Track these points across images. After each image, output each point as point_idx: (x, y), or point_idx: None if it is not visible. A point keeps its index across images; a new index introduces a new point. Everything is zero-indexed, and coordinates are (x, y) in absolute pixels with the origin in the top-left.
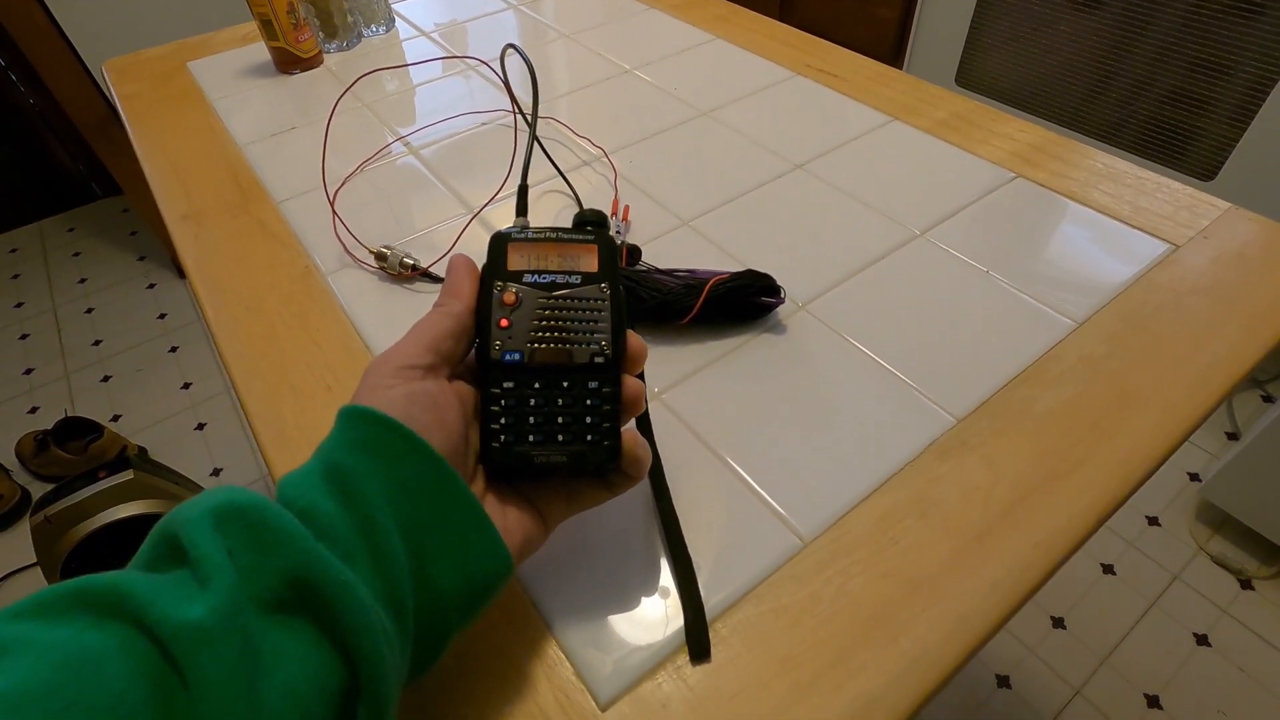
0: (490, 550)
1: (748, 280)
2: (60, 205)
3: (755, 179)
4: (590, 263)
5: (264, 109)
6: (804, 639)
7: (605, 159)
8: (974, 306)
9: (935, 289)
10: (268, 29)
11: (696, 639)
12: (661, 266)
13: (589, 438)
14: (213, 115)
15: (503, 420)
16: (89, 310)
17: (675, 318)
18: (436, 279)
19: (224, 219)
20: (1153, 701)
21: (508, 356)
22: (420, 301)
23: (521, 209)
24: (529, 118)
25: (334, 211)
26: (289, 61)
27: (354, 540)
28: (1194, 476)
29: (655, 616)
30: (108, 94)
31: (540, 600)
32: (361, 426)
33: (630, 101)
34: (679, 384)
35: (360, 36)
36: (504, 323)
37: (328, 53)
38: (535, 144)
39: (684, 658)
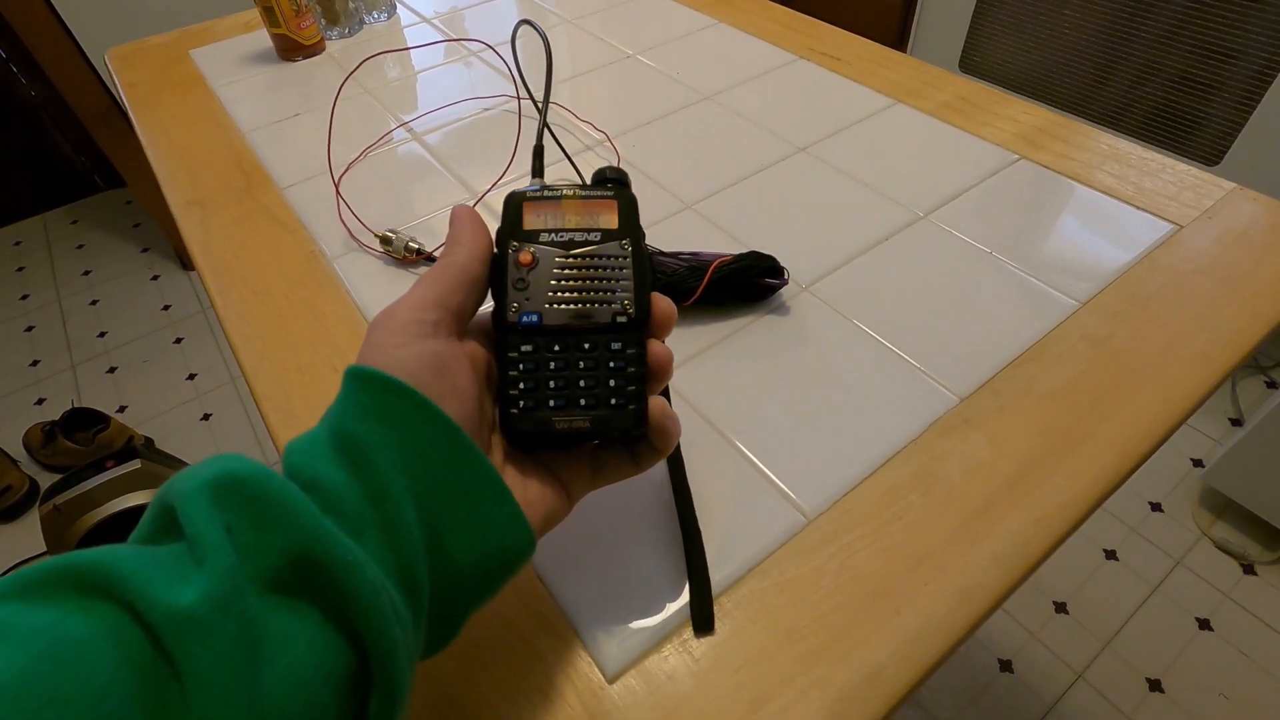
0: (510, 524)
1: (751, 261)
2: (63, 197)
3: (758, 162)
4: (610, 220)
5: (267, 96)
6: (808, 612)
7: (609, 143)
8: (977, 287)
9: (938, 270)
10: (269, 16)
11: (700, 610)
12: (665, 249)
13: (612, 401)
14: (216, 102)
15: (521, 385)
16: (93, 302)
17: (679, 299)
18: None
19: (229, 205)
20: (1154, 685)
21: (525, 319)
22: None
23: (538, 170)
24: (533, 97)
25: (339, 196)
26: (291, 48)
27: (365, 513)
28: (1197, 462)
29: (662, 591)
30: (109, 84)
31: (547, 574)
32: (372, 391)
33: (633, 86)
34: (684, 365)
35: (362, 23)
36: (520, 284)
37: (330, 39)
38: (545, 125)
39: (690, 631)
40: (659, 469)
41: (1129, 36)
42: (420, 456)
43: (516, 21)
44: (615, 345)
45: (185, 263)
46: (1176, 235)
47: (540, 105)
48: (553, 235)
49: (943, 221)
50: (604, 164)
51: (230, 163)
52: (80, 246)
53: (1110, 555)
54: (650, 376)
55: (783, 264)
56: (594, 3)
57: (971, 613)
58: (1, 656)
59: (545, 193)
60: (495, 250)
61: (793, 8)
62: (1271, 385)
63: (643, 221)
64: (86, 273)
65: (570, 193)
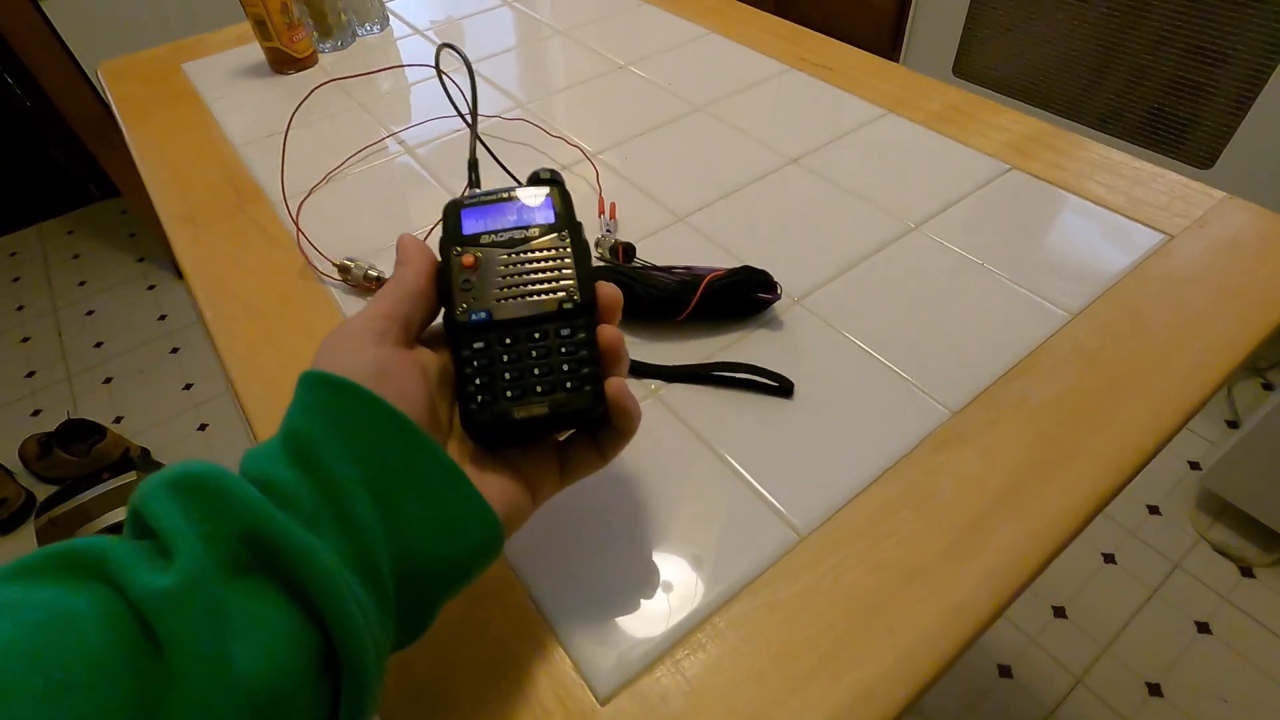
0: (472, 510)
1: (744, 276)
2: (59, 208)
3: (750, 174)
4: (547, 215)
5: (259, 110)
6: (800, 631)
7: (587, 160)
8: (969, 299)
9: (930, 282)
10: (262, 29)
11: None
12: (658, 263)
13: (568, 385)
14: (208, 116)
15: (477, 380)
16: (89, 312)
17: (672, 314)
18: None
19: (221, 220)
20: (1154, 689)
21: (474, 317)
22: None
23: (474, 181)
24: (463, 116)
25: (297, 227)
26: (284, 61)
27: (317, 506)
28: (1194, 465)
29: (654, 611)
30: (103, 95)
31: (538, 596)
32: (319, 391)
33: (625, 97)
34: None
35: (355, 35)
36: (466, 285)
37: (322, 52)
38: (476, 138)
39: (683, 652)
40: (646, 493)
41: (1122, 41)
42: (369, 447)
43: (438, 46)
44: (564, 331)
45: (181, 272)
46: (1168, 245)
47: (468, 120)
48: (493, 236)
49: (934, 233)
50: (583, 180)
51: (222, 177)
52: (76, 257)
53: (1109, 559)
54: (606, 360)
55: (775, 276)
56: (587, 13)
57: (965, 630)
58: (6, 626)
59: (481, 197)
60: (440, 260)
61: (785, 17)
62: (1268, 387)
63: (634, 234)
64: (82, 283)
65: (506, 195)
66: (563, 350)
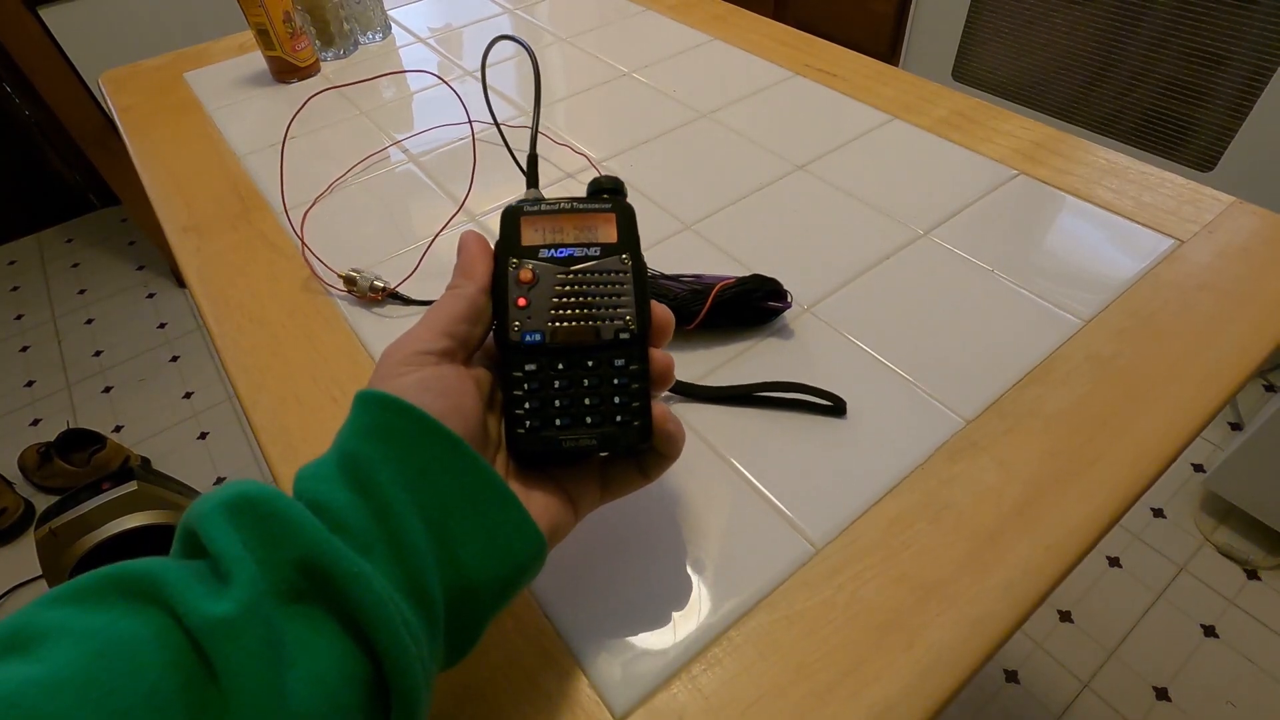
0: (518, 528)
1: (754, 285)
2: (58, 216)
3: (757, 181)
4: (609, 233)
5: (262, 119)
6: (819, 646)
7: (592, 168)
8: (980, 306)
9: (940, 289)
10: (264, 38)
11: None
12: (666, 271)
13: (618, 418)
14: (211, 126)
15: (527, 405)
16: (89, 321)
17: (682, 323)
18: (408, 300)
19: (225, 230)
20: (1161, 694)
21: (528, 338)
22: (422, 312)
23: (533, 180)
24: (496, 121)
25: (301, 239)
26: (286, 70)
27: (370, 530)
28: (1198, 468)
29: (669, 626)
30: (103, 104)
31: (554, 612)
32: (374, 411)
33: (629, 104)
34: None
35: (357, 44)
36: (521, 302)
37: (324, 60)
38: (536, 133)
39: (699, 667)
40: (664, 507)
41: (1121, 43)
42: (422, 470)
43: (491, 39)
44: (619, 362)
45: (180, 280)
46: (1178, 250)
47: (493, 121)
48: (552, 251)
49: (943, 239)
50: (583, 189)
51: (226, 187)
52: (75, 265)
53: (1114, 563)
54: (654, 384)
55: (784, 285)
56: (588, 20)
57: (984, 644)
58: (62, 653)
59: (543, 206)
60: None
61: (785, 21)
62: (1270, 389)
63: (642, 243)
64: (81, 291)
65: (567, 206)
66: (615, 382)
